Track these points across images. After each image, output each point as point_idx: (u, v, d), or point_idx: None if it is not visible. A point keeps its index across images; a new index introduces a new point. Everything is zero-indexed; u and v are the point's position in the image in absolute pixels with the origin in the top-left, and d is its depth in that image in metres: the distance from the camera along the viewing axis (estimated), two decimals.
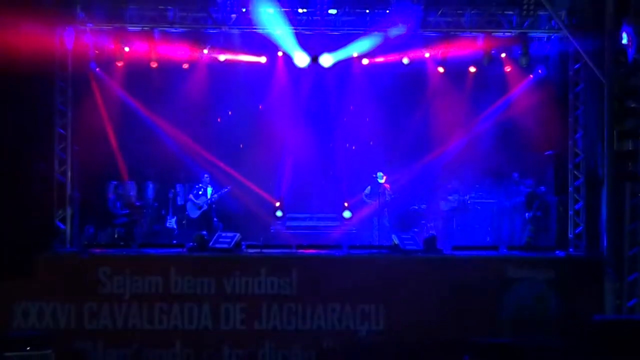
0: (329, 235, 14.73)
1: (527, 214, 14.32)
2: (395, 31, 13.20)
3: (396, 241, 12.93)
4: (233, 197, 15.39)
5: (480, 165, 15.42)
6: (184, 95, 15.31)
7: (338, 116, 15.90)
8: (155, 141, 15.41)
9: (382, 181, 14.86)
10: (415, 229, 14.73)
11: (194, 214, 15.05)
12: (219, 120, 16.17)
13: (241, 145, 16.15)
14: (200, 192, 15.13)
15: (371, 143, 16.23)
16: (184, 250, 12.49)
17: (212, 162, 15.60)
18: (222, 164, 15.64)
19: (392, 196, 14.85)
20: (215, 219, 15.01)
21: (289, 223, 15.38)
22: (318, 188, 15.74)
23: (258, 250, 12.48)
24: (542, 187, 14.39)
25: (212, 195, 15.05)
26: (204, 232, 13.01)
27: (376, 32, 13.53)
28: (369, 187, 15.01)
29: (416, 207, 15.41)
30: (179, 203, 15.29)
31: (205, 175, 15.15)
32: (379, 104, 15.78)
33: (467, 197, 15.32)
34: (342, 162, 15.86)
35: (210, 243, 12.56)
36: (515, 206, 14.85)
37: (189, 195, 15.13)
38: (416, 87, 15.64)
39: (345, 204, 15.51)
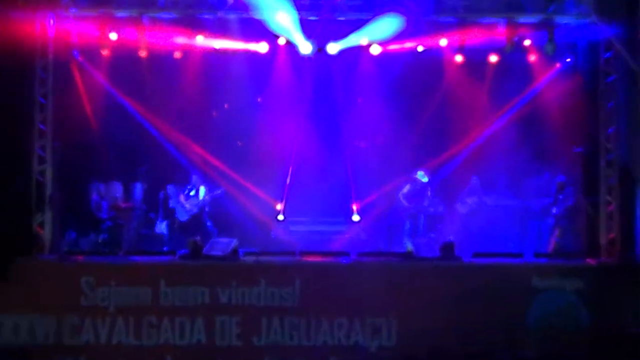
0: (336, 241, 14.74)
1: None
2: None
3: (410, 247, 12.94)
4: (229, 198, 15.36)
5: (502, 163, 15.36)
6: (176, 87, 15.26)
7: (345, 110, 15.84)
8: (144, 137, 15.32)
9: (425, 181, 14.89)
10: (432, 234, 14.71)
11: (184, 217, 14.98)
12: (214, 114, 16.11)
13: (239, 142, 16.10)
14: (191, 193, 15.06)
15: (382, 140, 16.18)
16: (175, 258, 12.47)
17: (206, 160, 15.60)
18: (217, 162, 15.64)
19: (432, 200, 14.93)
20: (208, 223, 14.96)
21: (291, 227, 15.35)
22: (323, 189, 15.66)
23: (257, 257, 12.46)
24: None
25: (204, 196, 14.98)
26: (198, 238, 12.92)
27: (385, 17, 13.60)
28: (407, 185, 14.95)
29: (432, 210, 15.30)
30: (170, 205, 15.19)
31: (194, 177, 15.16)
32: (390, 96, 15.71)
33: (488, 198, 15.28)
34: (350, 160, 15.80)
35: (204, 250, 12.49)
36: (543, 208, 14.79)
37: (178, 196, 15.08)
38: (431, 78, 15.55)
39: (354, 207, 15.48)
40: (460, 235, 14.34)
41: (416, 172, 15.09)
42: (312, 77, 15.51)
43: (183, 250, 12.56)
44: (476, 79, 15.31)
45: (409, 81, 15.55)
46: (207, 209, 15.07)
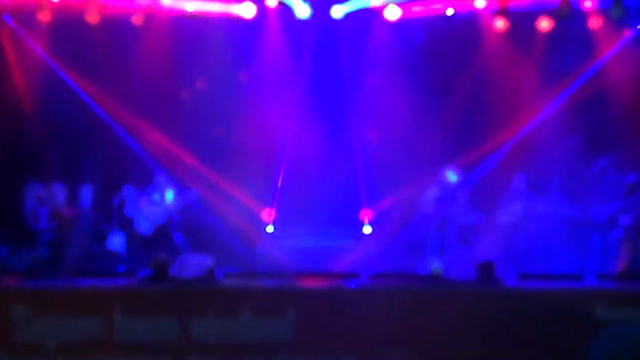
0: (341, 260, 14.61)
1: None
2: None
3: (437, 268, 12.69)
4: (204, 205, 15.37)
5: (556, 159, 15.28)
6: (136, 61, 15.38)
7: (353, 91, 15.86)
8: (94, 125, 15.43)
9: (456, 181, 14.95)
10: (465, 250, 14.67)
11: (145, 228, 14.95)
12: (185, 95, 16.14)
13: (216, 131, 16.08)
14: (155, 198, 15.02)
15: (400, 129, 16.02)
16: (135, 280, 12.40)
17: (175, 154, 15.66)
18: (189, 157, 15.68)
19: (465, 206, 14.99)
20: (177, 237, 14.94)
21: (284, 242, 15.34)
22: (325, 192, 15.66)
23: (240, 280, 12.50)
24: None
25: (172, 202, 14.92)
26: (163, 256, 12.68)
27: None
28: (433, 188, 15.00)
29: (465, 219, 15.22)
30: (127, 213, 15.16)
31: (159, 176, 15.13)
32: (412, 73, 15.77)
33: (538, 203, 15.22)
34: (360, 155, 15.83)
35: (172, 271, 12.32)
36: (609, 217, 14.70)
37: (139, 201, 15.04)
38: (464, 49, 15.68)
39: (365, 216, 15.53)
40: (502, 252, 14.23)
41: (444, 170, 15.03)
42: (311, 48, 15.62)
43: (144, 271, 12.41)
44: (522, 51, 15.42)
45: (435, 54, 15.70)
46: (175, 218, 15.07)
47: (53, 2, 13.90)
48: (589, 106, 15.34)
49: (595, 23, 14.90)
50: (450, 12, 14.94)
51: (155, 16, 14.68)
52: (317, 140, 15.77)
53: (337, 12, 14.80)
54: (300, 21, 15.02)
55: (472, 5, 14.80)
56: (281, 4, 14.80)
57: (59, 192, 15.04)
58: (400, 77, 15.76)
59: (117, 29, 14.80)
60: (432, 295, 11.91)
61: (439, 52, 15.63)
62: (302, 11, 14.76)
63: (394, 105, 15.94)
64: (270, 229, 15.58)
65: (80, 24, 14.09)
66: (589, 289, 12.12)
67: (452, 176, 15.06)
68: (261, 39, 15.51)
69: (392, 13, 14.93)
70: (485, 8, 14.80)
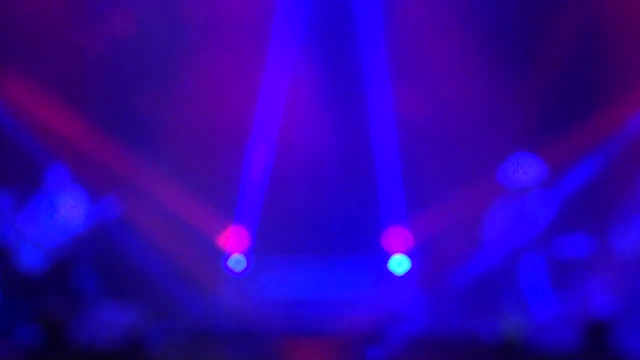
0: (354, 315, 13.71)
1: None
2: None
3: (515, 329, 11.75)
4: (129, 223, 14.60)
5: None
6: None
7: (375, 38, 15.02)
8: None
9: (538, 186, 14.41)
10: (564, 299, 14.05)
11: (32, 262, 13.98)
12: (93, 44, 15.20)
13: (147, 102, 15.12)
14: (47, 211, 14.08)
15: (453, 101, 15.15)
16: (10, 349, 11.72)
17: (81, 141, 14.79)
18: (105, 146, 14.88)
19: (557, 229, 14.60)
20: (84, 276, 14.13)
21: (260, 284, 14.71)
22: (328, 203, 15.08)
23: (187, 349, 12.08)
24: None
25: (77, 218, 14.16)
26: (60, 308, 11.67)
27: None
28: (506, 198, 14.43)
29: (559, 250, 14.28)
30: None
31: (55, 174, 14.37)
32: (470, 35, 15.07)
33: None
34: (386, 142, 14.96)
35: (75, 333, 11.41)
36: None
37: (18, 216, 14.18)
38: None
39: (393, 241, 14.72)
40: (623, 303, 13.28)
41: (522, 167, 14.31)
42: None
43: (27, 333, 11.91)
44: None
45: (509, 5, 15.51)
46: (82, 246, 14.27)
47: None
48: None
49: None
50: None
51: None
52: (315, 114, 15.34)
53: None
54: None
55: None
56: None
57: None
58: (452, 16, 15.04)
59: None
60: None
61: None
62: None
63: (442, 62, 15.29)
64: (237, 263, 14.83)
65: None
66: None
67: (534, 177, 14.17)
68: None
69: None
70: None
